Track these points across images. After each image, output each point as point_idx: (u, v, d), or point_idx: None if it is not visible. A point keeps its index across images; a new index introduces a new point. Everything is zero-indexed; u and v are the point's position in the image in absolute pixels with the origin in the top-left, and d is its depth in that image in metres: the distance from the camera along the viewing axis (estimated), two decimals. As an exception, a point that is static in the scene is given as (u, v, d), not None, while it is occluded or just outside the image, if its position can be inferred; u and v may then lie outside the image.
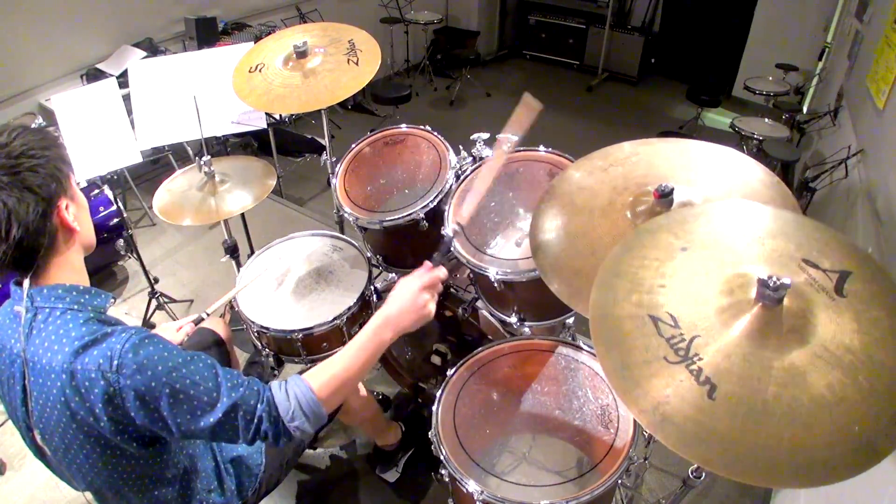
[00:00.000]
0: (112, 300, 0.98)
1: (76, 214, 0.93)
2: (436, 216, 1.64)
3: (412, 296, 1.07)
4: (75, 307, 0.90)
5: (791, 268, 0.86)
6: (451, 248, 1.15)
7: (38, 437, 0.95)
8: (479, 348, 1.48)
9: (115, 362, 0.84)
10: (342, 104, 4.78)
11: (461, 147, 1.82)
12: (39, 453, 0.99)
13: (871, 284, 0.83)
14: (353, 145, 1.90)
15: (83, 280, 0.96)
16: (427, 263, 1.12)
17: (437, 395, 1.38)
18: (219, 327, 1.64)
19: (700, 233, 0.95)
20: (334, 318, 1.62)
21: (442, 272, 1.12)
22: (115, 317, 0.97)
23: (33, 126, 0.94)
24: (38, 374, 0.88)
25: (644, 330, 0.84)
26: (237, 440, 0.93)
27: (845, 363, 0.76)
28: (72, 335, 0.87)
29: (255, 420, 0.93)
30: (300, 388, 0.97)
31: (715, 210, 1.00)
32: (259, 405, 0.93)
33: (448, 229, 1.14)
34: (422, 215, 1.63)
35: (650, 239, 0.97)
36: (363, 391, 1.66)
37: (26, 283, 0.90)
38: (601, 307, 0.90)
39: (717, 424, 0.74)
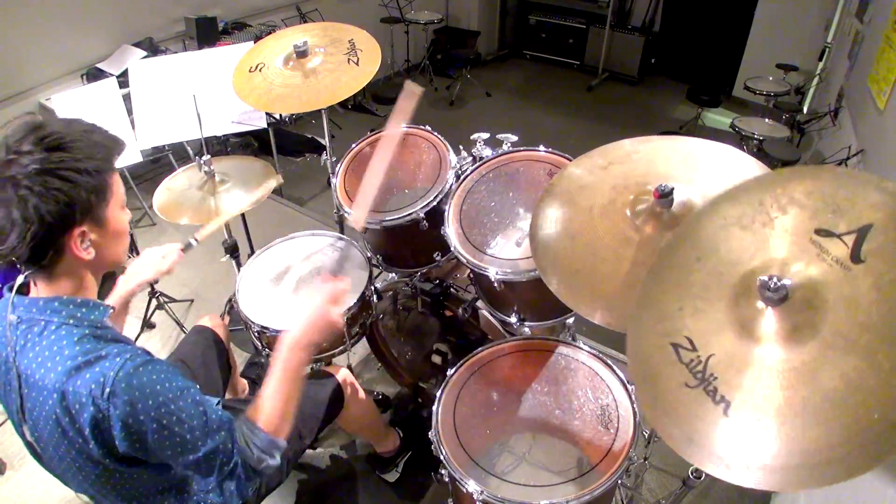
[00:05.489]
0: (111, 310, 0.97)
1: (97, 241, 0.89)
2: (436, 216, 1.64)
3: (314, 313, 1.10)
4: (71, 321, 0.89)
5: (803, 245, 0.82)
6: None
7: (34, 444, 0.95)
8: (479, 348, 1.48)
9: (108, 390, 0.83)
10: (342, 104, 4.77)
11: (461, 147, 1.82)
12: (37, 456, 0.99)
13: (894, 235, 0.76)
14: (354, 145, 1.90)
15: (89, 292, 0.94)
16: (326, 275, 1.15)
17: (437, 395, 1.38)
18: (217, 327, 1.64)
19: (710, 234, 0.94)
20: (334, 318, 1.62)
21: (344, 282, 1.15)
22: (113, 329, 0.96)
23: (98, 132, 0.88)
24: (31, 388, 0.88)
25: (668, 359, 0.86)
26: (210, 478, 0.97)
27: (861, 345, 0.72)
28: (65, 353, 0.86)
29: (231, 465, 0.97)
30: (257, 437, 1.01)
31: (725, 198, 0.96)
32: (234, 450, 0.97)
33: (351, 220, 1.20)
34: (422, 215, 1.62)
35: (670, 258, 0.97)
36: (363, 395, 1.65)
37: (9, 297, 0.90)
38: (635, 344, 0.92)
39: (733, 439, 0.75)
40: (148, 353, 0.93)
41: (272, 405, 1.04)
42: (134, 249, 2.49)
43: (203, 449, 0.92)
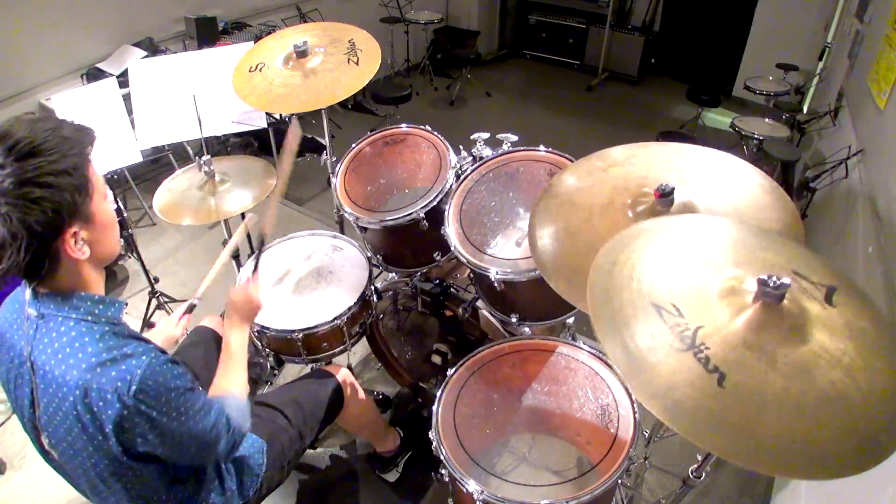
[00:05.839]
0: (125, 307, 0.97)
1: (89, 238, 0.88)
2: (436, 216, 1.64)
3: (249, 298, 1.31)
4: (89, 318, 0.89)
5: (785, 276, 0.86)
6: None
7: (44, 440, 0.95)
8: (480, 348, 1.48)
9: (134, 387, 0.84)
10: (342, 104, 4.77)
11: (461, 147, 1.82)
12: (44, 453, 0.99)
13: (854, 299, 0.85)
14: (354, 145, 1.90)
15: (96, 288, 0.94)
16: (249, 275, 1.40)
17: (438, 394, 1.38)
18: (218, 326, 1.64)
19: (695, 238, 0.96)
20: (335, 318, 1.62)
21: (255, 281, 1.37)
22: (127, 325, 0.96)
23: (64, 127, 0.85)
24: (48, 384, 0.87)
25: (647, 317, 0.84)
26: (219, 450, 1.02)
27: (844, 363, 0.76)
28: (88, 350, 0.86)
29: (231, 430, 1.04)
30: (239, 403, 1.12)
31: (704, 222, 1.02)
32: (231, 420, 1.05)
33: (254, 230, 1.39)
34: (422, 215, 1.63)
35: (648, 237, 0.97)
36: (362, 395, 1.65)
37: (27, 290, 0.90)
38: (601, 291, 0.89)
39: (728, 413, 0.73)
40: (164, 352, 0.93)
41: (239, 376, 1.18)
42: (133, 249, 2.49)
43: (211, 420, 0.98)
